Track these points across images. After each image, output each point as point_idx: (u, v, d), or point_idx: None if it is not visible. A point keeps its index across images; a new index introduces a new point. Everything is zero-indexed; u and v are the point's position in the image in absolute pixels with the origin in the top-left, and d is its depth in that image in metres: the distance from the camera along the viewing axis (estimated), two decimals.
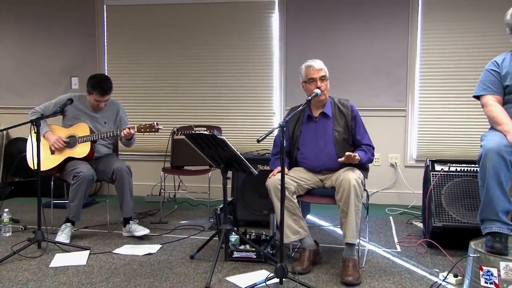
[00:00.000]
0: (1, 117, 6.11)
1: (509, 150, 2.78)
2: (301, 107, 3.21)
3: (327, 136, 3.44)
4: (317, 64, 3.41)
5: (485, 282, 2.61)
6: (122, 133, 3.93)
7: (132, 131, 3.91)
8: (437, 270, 3.22)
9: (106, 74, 5.63)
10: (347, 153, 3.19)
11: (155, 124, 3.89)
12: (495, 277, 2.57)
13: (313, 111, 3.50)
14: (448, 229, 3.52)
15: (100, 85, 4.02)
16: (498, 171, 2.75)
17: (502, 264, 2.55)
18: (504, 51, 3.27)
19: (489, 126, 3.17)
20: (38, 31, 6.12)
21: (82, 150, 3.98)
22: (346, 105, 3.48)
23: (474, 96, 3.28)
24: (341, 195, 3.12)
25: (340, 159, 3.24)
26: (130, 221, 4.01)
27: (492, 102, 3.10)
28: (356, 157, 3.19)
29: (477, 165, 2.95)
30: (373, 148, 3.46)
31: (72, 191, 3.83)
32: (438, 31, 5.28)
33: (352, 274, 3.00)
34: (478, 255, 2.68)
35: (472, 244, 2.82)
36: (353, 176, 3.12)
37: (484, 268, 2.62)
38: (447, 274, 3.01)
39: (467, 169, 3.66)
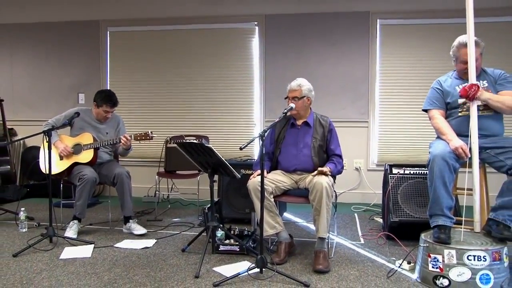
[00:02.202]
0: (18, 128, 6.06)
1: (451, 155, 2.88)
2: (278, 119, 3.24)
3: (306, 140, 3.47)
4: (294, 85, 3.45)
5: (432, 267, 2.68)
6: (121, 141, 3.89)
7: (129, 138, 3.89)
8: (394, 258, 3.27)
9: None
10: (319, 169, 3.23)
11: (149, 132, 3.87)
12: (440, 262, 2.64)
13: (296, 121, 3.54)
14: (403, 223, 3.57)
15: (109, 98, 4.06)
16: (443, 173, 2.83)
17: (446, 252, 2.63)
18: (447, 71, 3.38)
19: (436, 136, 3.26)
20: (49, 54, 6.10)
21: (86, 156, 3.97)
22: (325, 120, 3.53)
23: (423, 110, 3.38)
24: (314, 196, 3.14)
25: (312, 174, 3.27)
26: (130, 220, 3.99)
27: (437, 115, 3.20)
28: (327, 172, 3.22)
29: (426, 169, 3.03)
30: (342, 160, 3.49)
31: (78, 192, 3.82)
32: (393, 54, 5.40)
33: (322, 263, 3.03)
34: (427, 244, 2.75)
35: (422, 235, 2.88)
36: (324, 179, 3.14)
37: (431, 255, 2.69)
38: (402, 262, 3.07)
39: (419, 172, 3.72)
